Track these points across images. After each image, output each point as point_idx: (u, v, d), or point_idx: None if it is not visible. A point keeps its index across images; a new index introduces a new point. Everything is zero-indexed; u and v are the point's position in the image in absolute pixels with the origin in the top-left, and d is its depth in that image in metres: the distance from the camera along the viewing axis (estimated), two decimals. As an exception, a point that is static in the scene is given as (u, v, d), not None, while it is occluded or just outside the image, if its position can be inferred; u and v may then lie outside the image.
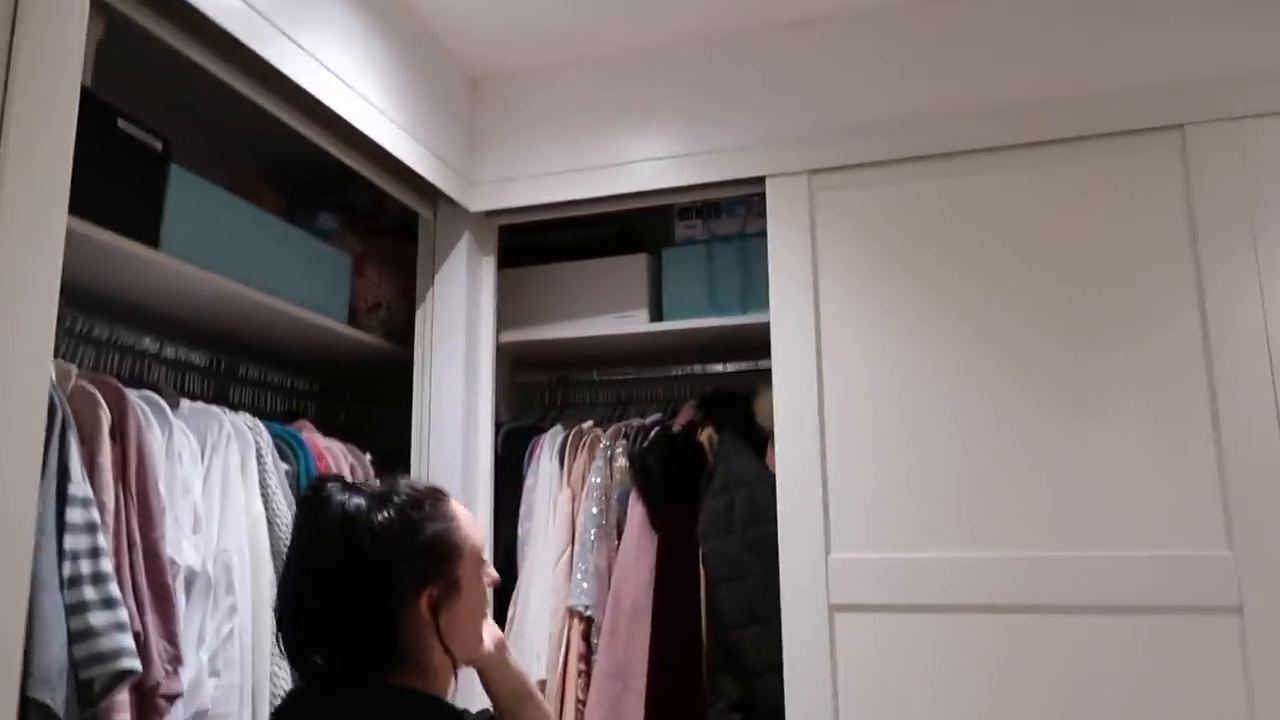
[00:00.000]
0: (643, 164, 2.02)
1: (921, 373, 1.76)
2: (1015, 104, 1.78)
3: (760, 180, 1.94)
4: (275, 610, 1.10)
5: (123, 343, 1.62)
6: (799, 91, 1.93)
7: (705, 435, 2.03)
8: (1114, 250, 1.70)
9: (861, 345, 1.80)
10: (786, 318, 1.85)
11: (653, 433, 2.04)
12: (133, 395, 1.39)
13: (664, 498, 1.94)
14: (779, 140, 1.93)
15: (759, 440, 1.97)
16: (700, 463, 1.97)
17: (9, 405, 1.01)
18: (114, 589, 1.19)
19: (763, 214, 2.02)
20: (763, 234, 2.01)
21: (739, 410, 2.04)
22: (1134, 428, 1.64)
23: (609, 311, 2.19)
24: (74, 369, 1.34)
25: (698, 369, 2.24)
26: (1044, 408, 1.68)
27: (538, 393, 2.43)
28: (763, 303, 1.94)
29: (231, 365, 1.90)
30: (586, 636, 1.91)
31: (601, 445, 2.06)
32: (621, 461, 2.04)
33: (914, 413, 1.75)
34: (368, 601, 1.04)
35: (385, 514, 1.06)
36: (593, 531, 1.97)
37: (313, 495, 1.09)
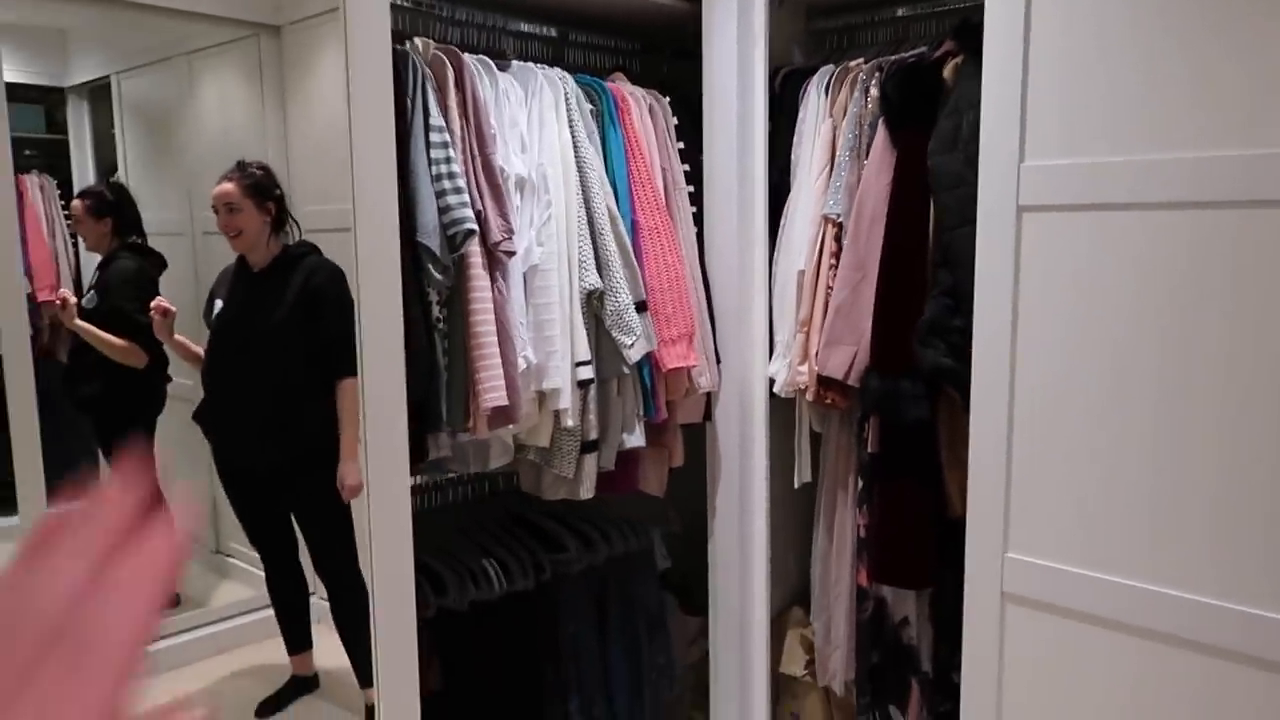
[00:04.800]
0: None
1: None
2: None
3: None
4: None
5: (475, 21, 2.25)
6: None
7: (952, 65, 2.21)
8: None
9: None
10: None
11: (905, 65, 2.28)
12: (469, 57, 2.02)
13: (901, 120, 2.22)
14: None
15: (1000, 64, 2.12)
16: (939, 89, 2.19)
17: (370, 67, 1.66)
18: (461, 183, 1.89)
19: None
20: None
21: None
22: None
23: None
24: (431, 42, 1.99)
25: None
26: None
27: (829, 38, 2.70)
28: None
29: (563, 33, 2.47)
30: (837, 239, 2.34)
31: (859, 79, 2.34)
32: (875, 92, 2.32)
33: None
34: None
35: None
36: (846, 153, 2.33)
37: None
